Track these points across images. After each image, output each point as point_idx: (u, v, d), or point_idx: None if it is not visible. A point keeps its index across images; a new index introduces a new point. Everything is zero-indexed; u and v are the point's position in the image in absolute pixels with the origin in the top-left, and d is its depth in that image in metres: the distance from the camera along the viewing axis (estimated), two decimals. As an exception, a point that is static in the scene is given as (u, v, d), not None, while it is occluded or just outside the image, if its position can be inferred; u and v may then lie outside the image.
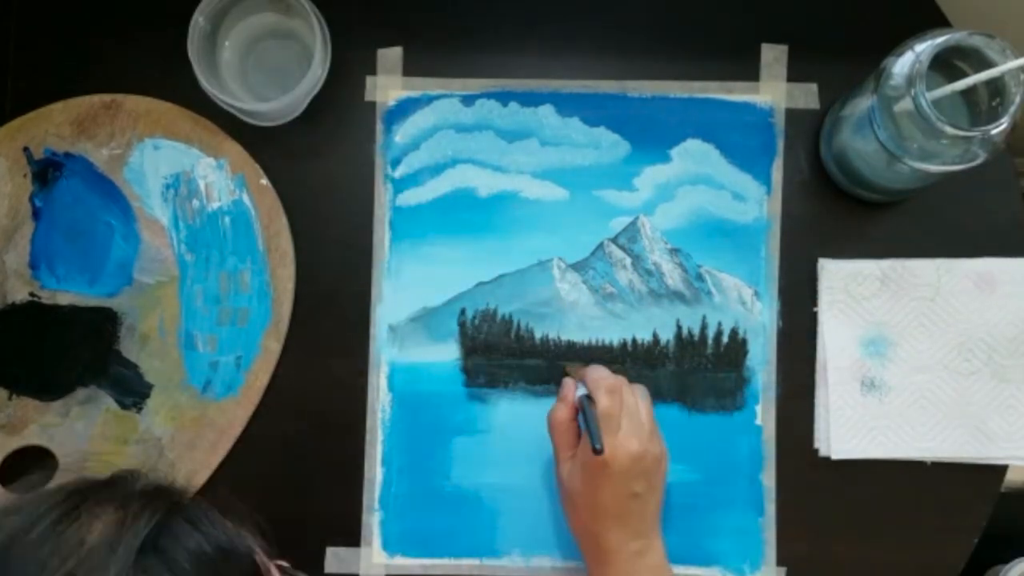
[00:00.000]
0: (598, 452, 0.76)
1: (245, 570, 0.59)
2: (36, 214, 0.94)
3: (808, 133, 0.93)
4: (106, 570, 0.51)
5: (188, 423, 0.93)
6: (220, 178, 0.94)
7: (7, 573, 0.52)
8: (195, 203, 0.94)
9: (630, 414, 0.80)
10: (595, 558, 0.81)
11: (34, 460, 0.93)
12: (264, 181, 0.94)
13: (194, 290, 0.94)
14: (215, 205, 0.94)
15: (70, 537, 0.53)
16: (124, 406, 0.93)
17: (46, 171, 0.94)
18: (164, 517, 0.55)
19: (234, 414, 0.93)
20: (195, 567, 0.54)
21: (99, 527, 0.53)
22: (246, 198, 0.94)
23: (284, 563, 0.75)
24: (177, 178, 0.95)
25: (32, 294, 0.94)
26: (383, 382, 0.93)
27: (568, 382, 0.84)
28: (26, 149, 0.95)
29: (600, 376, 0.81)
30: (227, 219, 0.94)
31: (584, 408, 0.80)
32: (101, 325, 0.94)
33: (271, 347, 0.93)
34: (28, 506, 0.55)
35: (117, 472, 0.61)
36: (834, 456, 0.91)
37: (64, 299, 0.94)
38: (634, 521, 0.80)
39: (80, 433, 0.93)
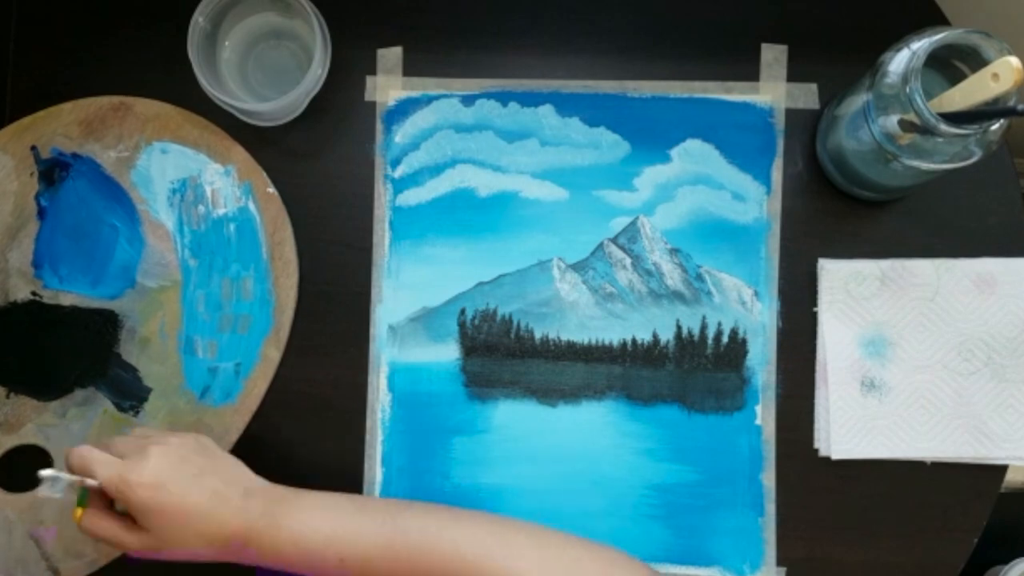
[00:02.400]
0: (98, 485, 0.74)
1: None
2: (41, 213, 0.94)
3: (808, 133, 0.93)
4: None
5: (185, 428, 0.92)
6: (227, 185, 0.94)
7: None
8: (201, 209, 0.94)
9: (122, 444, 0.78)
10: (240, 545, 0.77)
11: (30, 459, 0.93)
12: (271, 190, 0.94)
13: (196, 295, 0.94)
14: (221, 211, 0.94)
15: None
16: (122, 409, 0.93)
17: (52, 171, 0.95)
18: None
19: (231, 421, 0.93)
20: None
21: None
22: (252, 206, 0.94)
23: None
24: (184, 183, 0.95)
25: (34, 293, 0.94)
26: (383, 382, 0.93)
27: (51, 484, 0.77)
28: (33, 148, 0.95)
29: (75, 458, 0.77)
30: (232, 226, 0.94)
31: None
32: (102, 327, 0.94)
33: (271, 355, 0.93)
34: None
35: None
36: (834, 456, 0.91)
37: (66, 299, 0.94)
38: (223, 488, 0.77)
39: (76, 434, 0.93)
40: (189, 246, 0.94)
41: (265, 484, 0.80)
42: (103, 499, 0.78)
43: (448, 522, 0.77)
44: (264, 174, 0.94)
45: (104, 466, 0.75)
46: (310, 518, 0.76)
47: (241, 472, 0.80)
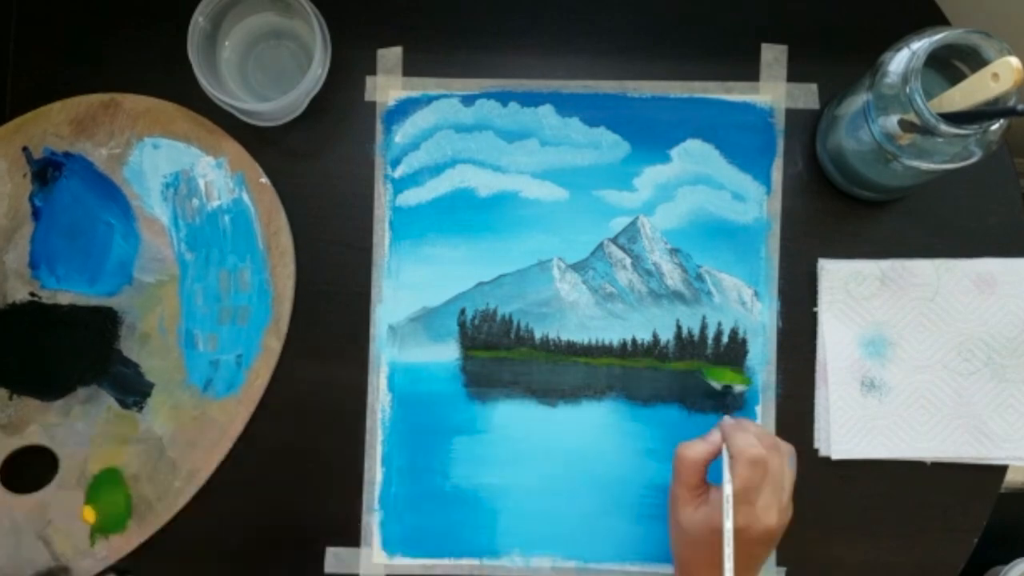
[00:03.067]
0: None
1: None
2: (36, 214, 0.94)
3: (808, 133, 0.93)
4: None
5: (189, 422, 0.93)
6: (219, 177, 0.94)
7: None
8: (195, 202, 0.94)
9: (773, 484, 0.77)
10: None
11: (35, 460, 0.93)
12: (263, 179, 0.94)
13: (194, 289, 0.94)
14: (215, 204, 0.94)
15: None
16: (125, 405, 0.93)
17: (45, 171, 0.94)
18: None
19: (235, 413, 0.93)
20: None
21: None
22: (246, 196, 0.94)
23: None
24: (176, 177, 0.95)
25: (32, 294, 0.94)
26: (383, 382, 0.93)
27: (715, 430, 0.80)
28: (25, 149, 0.95)
29: (745, 446, 0.77)
30: (227, 218, 0.94)
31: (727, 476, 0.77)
32: (101, 324, 0.93)
33: (272, 345, 0.93)
34: None
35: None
36: (834, 456, 0.91)
37: (64, 299, 0.94)
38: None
39: (81, 433, 0.93)
40: (185, 240, 0.94)
41: None
42: (712, 456, 0.79)
43: None
44: (256, 164, 0.94)
45: (757, 470, 0.76)
46: None
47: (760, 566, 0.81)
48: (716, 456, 0.79)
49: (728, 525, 0.74)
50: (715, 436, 0.80)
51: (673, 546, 0.82)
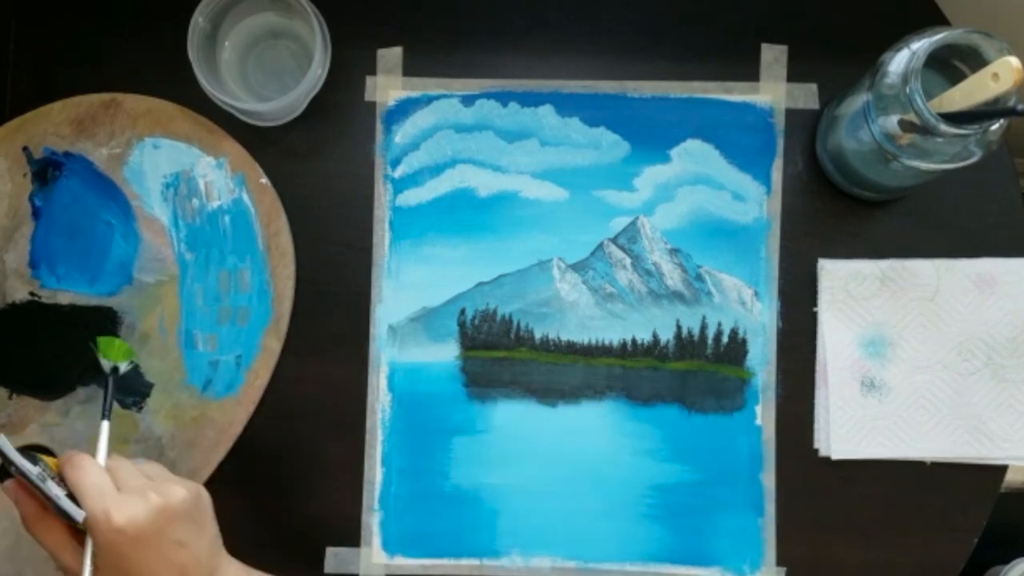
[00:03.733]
0: (80, 523, 0.69)
1: None
2: (36, 213, 0.94)
3: (808, 133, 0.93)
4: None
5: (188, 422, 0.93)
6: (220, 177, 0.94)
7: None
8: (195, 202, 0.94)
9: (121, 469, 0.74)
10: None
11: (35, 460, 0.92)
12: (264, 180, 0.94)
13: (194, 289, 0.94)
14: (215, 204, 0.94)
15: None
16: (124, 405, 0.93)
17: (46, 170, 0.94)
18: None
19: (234, 413, 0.93)
20: None
21: None
22: (246, 197, 0.94)
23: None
24: (177, 177, 0.94)
25: (32, 294, 0.94)
26: (383, 382, 0.93)
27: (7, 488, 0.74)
28: (25, 148, 0.95)
29: (70, 469, 0.72)
30: (227, 218, 0.94)
31: (38, 486, 0.71)
32: (101, 324, 0.93)
33: (271, 346, 0.93)
34: None
35: None
36: (834, 456, 0.91)
37: (64, 298, 0.94)
38: (193, 568, 0.73)
39: (81, 432, 0.92)
40: (185, 240, 0.94)
41: (227, 559, 0.78)
42: (35, 503, 0.74)
43: None
44: (256, 165, 0.94)
45: (94, 495, 0.70)
46: None
47: (216, 553, 0.77)
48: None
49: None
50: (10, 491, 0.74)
51: None
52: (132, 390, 0.93)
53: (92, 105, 0.95)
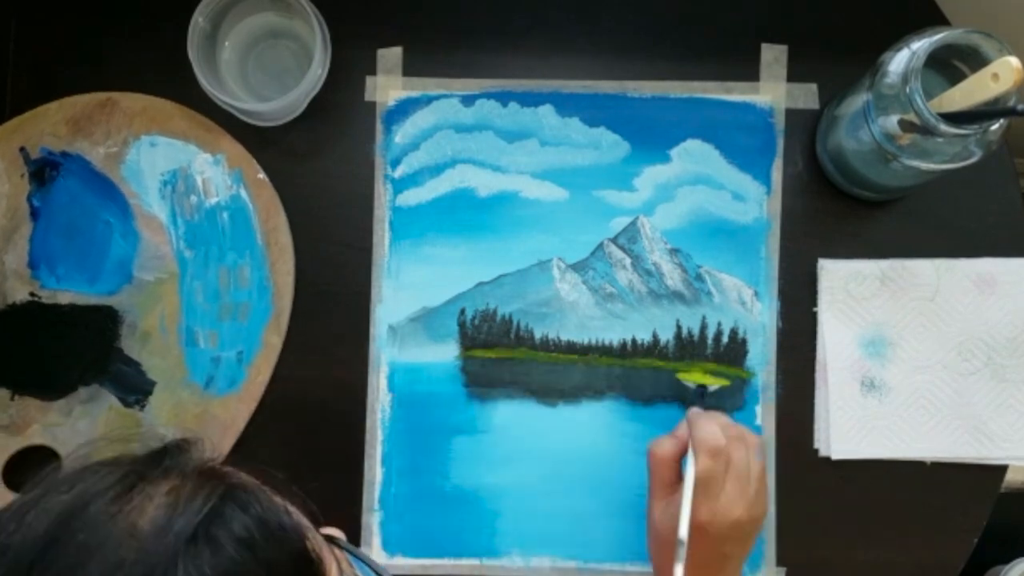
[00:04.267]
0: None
1: (295, 553, 0.56)
2: (34, 214, 0.94)
3: (808, 133, 0.94)
4: (153, 558, 0.49)
5: (191, 420, 0.93)
6: (217, 173, 0.94)
7: (59, 552, 0.50)
8: (193, 199, 0.94)
9: (737, 475, 0.77)
10: None
11: (38, 460, 0.93)
12: (261, 175, 0.94)
13: (194, 286, 0.94)
14: (213, 200, 0.94)
15: (121, 521, 0.50)
16: (127, 404, 0.93)
17: (43, 171, 0.95)
18: (217, 502, 0.53)
19: (237, 410, 0.93)
20: (243, 555, 0.52)
21: (150, 511, 0.51)
22: (244, 193, 0.94)
23: (333, 532, 0.74)
24: (174, 174, 0.95)
25: (32, 294, 0.94)
26: (383, 382, 0.93)
27: (683, 422, 0.82)
28: (22, 149, 0.95)
29: (705, 435, 0.77)
30: (225, 214, 0.94)
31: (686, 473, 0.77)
32: (102, 323, 0.94)
33: (272, 341, 0.93)
34: (86, 479, 0.53)
35: (172, 442, 0.59)
36: (834, 456, 0.91)
37: (64, 298, 0.94)
38: (713, 573, 0.78)
39: (83, 432, 0.93)
40: (184, 237, 0.94)
41: None
42: (682, 448, 0.80)
43: None
44: (254, 161, 0.94)
45: (719, 461, 0.76)
46: None
47: (741, 565, 0.80)
48: (686, 451, 0.79)
49: (686, 510, 0.74)
50: (682, 429, 0.81)
51: (649, 546, 0.82)
52: (134, 388, 0.93)
53: (88, 105, 0.95)
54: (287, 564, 0.54)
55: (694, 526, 0.74)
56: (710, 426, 0.77)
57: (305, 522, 0.60)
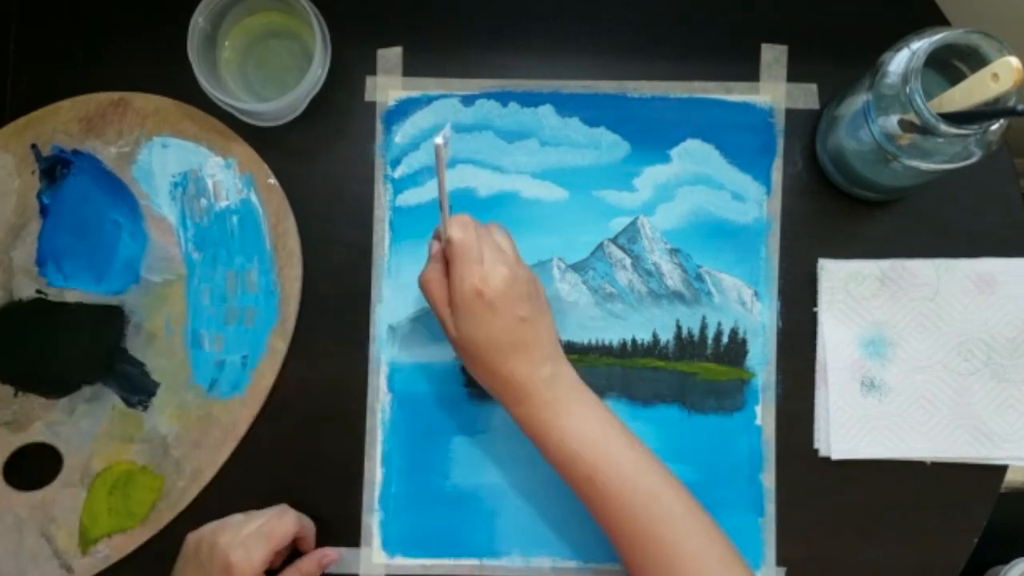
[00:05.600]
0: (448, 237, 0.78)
1: None
2: (43, 211, 0.95)
3: (808, 133, 0.93)
4: None
5: (194, 422, 0.93)
6: (228, 177, 0.95)
7: None
8: (203, 202, 0.95)
9: (489, 244, 0.79)
10: (513, 398, 0.81)
11: (39, 457, 0.93)
12: (272, 180, 0.94)
13: (201, 289, 0.94)
14: (223, 204, 0.95)
15: None
16: (130, 404, 0.93)
17: (54, 168, 0.95)
18: None
19: (239, 413, 0.93)
20: None
21: None
22: (254, 197, 0.94)
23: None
24: (185, 176, 0.95)
25: (39, 291, 0.94)
26: (383, 382, 0.93)
27: (433, 242, 0.83)
28: (34, 146, 0.95)
29: (453, 219, 0.79)
30: (235, 218, 0.94)
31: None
32: (107, 323, 0.94)
33: (277, 347, 0.93)
34: None
35: None
36: (834, 456, 0.91)
37: (71, 296, 0.94)
38: (533, 347, 0.80)
39: (85, 431, 0.93)
40: (192, 239, 0.94)
41: (564, 359, 0.83)
42: (443, 262, 0.81)
43: (660, 480, 0.81)
44: (265, 165, 0.94)
45: (468, 231, 0.79)
46: (581, 423, 0.80)
47: (554, 333, 0.83)
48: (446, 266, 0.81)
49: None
50: (434, 247, 0.82)
51: (476, 376, 0.83)
52: (138, 389, 0.93)
53: (101, 103, 0.95)
54: None
55: (473, 293, 0.77)
56: (450, 220, 0.80)
57: None
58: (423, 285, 0.82)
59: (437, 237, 0.83)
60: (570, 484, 0.81)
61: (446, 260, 0.80)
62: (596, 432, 0.80)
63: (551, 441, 0.80)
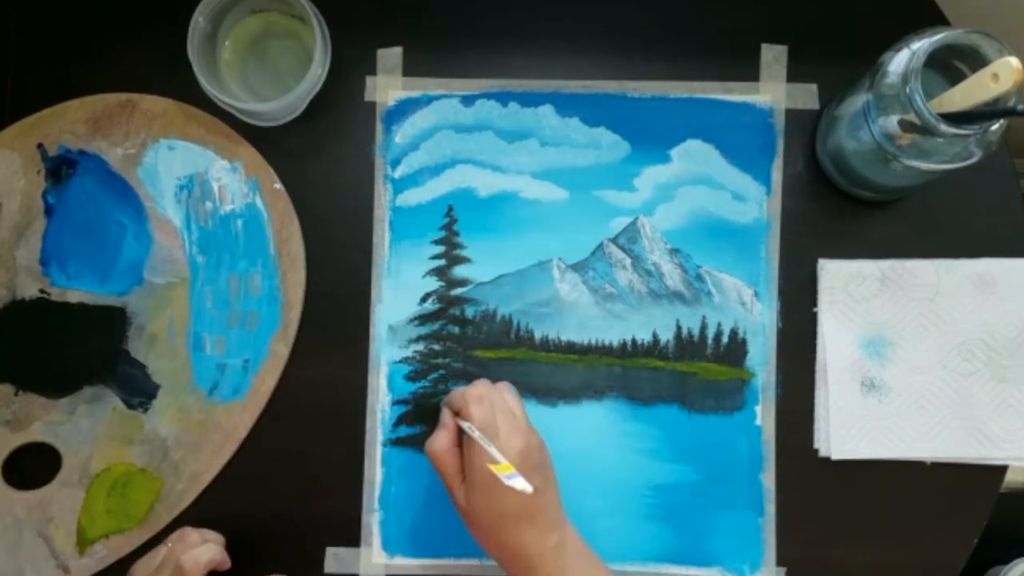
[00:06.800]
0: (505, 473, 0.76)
1: None
2: (48, 211, 0.95)
3: (808, 133, 0.93)
4: None
5: (194, 425, 0.93)
6: (234, 181, 0.95)
7: None
8: (208, 205, 0.95)
9: (503, 413, 0.80)
10: (522, 570, 0.80)
11: (39, 457, 0.93)
12: (277, 185, 0.94)
13: (204, 292, 0.94)
14: (228, 208, 0.95)
15: None
16: (131, 406, 0.93)
17: (60, 168, 0.95)
18: None
19: (240, 417, 0.93)
20: None
21: None
22: (259, 202, 0.94)
23: None
24: (191, 179, 0.95)
25: (42, 291, 0.94)
26: (383, 382, 0.93)
27: (444, 410, 0.83)
28: (40, 146, 0.95)
29: (464, 393, 0.81)
30: (239, 222, 0.94)
31: (464, 430, 0.80)
32: (110, 324, 0.94)
33: (279, 351, 0.93)
34: None
35: None
36: (834, 456, 0.91)
37: (74, 297, 0.94)
38: (540, 517, 0.79)
39: (85, 431, 0.93)
40: (197, 242, 0.94)
41: (568, 523, 0.83)
42: (455, 436, 0.81)
43: None
44: (271, 170, 0.94)
45: (485, 405, 0.80)
46: None
47: (559, 499, 0.83)
48: (457, 436, 0.81)
49: (491, 447, 0.77)
50: (445, 416, 0.82)
51: (483, 545, 0.82)
52: (139, 391, 0.93)
53: (108, 104, 0.95)
54: None
55: (487, 473, 0.76)
56: (462, 390, 0.81)
57: None
58: (434, 455, 0.81)
59: (447, 404, 0.84)
60: None
61: (456, 428, 0.81)
62: None
63: None
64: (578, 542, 0.82)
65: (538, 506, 0.79)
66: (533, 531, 0.79)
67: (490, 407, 0.79)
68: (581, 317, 0.93)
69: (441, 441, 0.81)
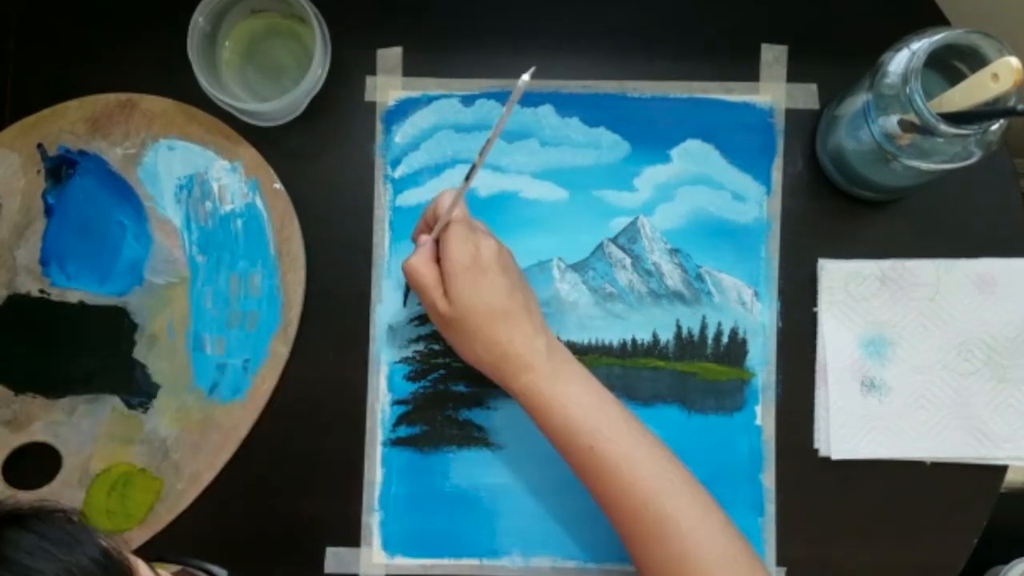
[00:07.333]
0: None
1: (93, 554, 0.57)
2: (48, 211, 0.95)
3: (808, 133, 0.93)
4: None
5: (194, 425, 0.93)
6: (234, 181, 0.95)
7: None
8: (208, 205, 0.95)
9: (474, 221, 0.82)
10: (513, 370, 0.80)
11: (38, 457, 0.93)
12: (277, 185, 0.94)
13: (204, 292, 0.94)
14: (228, 207, 0.95)
15: None
16: (131, 406, 0.93)
17: (60, 168, 0.95)
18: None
19: (240, 417, 0.93)
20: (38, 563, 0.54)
21: None
22: (259, 201, 0.94)
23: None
24: (191, 179, 0.95)
25: (42, 291, 0.94)
26: (383, 382, 0.93)
27: (422, 235, 0.83)
28: (40, 146, 0.95)
29: (431, 206, 0.82)
30: (239, 222, 0.94)
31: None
32: (110, 324, 0.94)
33: (279, 351, 0.93)
34: None
35: None
36: (834, 456, 0.91)
37: (74, 297, 0.94)
38: (524, 317, 0.80)
39: (85, 431, 0.93)
40: (197, 242, 0.94)
41: (551, 331, 0.83)
42: (434, 252, 0.81)
43: (658, 452, 0.79)
44: (271, 170, 0.94)
45: (464, 208, 0.81)
46: (581, 392, 0.80)
47: (538, 305, 0.83)
48: (436, 246, 0.81)
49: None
50: (420, 239, 0.82)
51: (471, 357, 0.82)
52: (138, 391, 0.93)
53: (108, 104, 0.95)
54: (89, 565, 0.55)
55: (470, 259, 0.78)
56: (431, 206, 0.82)
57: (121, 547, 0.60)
58: (412, 270, 0.81)
59: (423, 231, 0.83)
60: (570, 458, 0.80)
61: (432, 246, 0.81)
62: (595, 401, 0.80)
63: (554, 411, 0.79)
64: (564, 349, 0.82)
65: (520, 303, 0.80)
66: (520, 330, 0.79)
67: (465, 211, 0.81)
68: (581, 317, 0.93)
69: (418, 256, 0.81)
